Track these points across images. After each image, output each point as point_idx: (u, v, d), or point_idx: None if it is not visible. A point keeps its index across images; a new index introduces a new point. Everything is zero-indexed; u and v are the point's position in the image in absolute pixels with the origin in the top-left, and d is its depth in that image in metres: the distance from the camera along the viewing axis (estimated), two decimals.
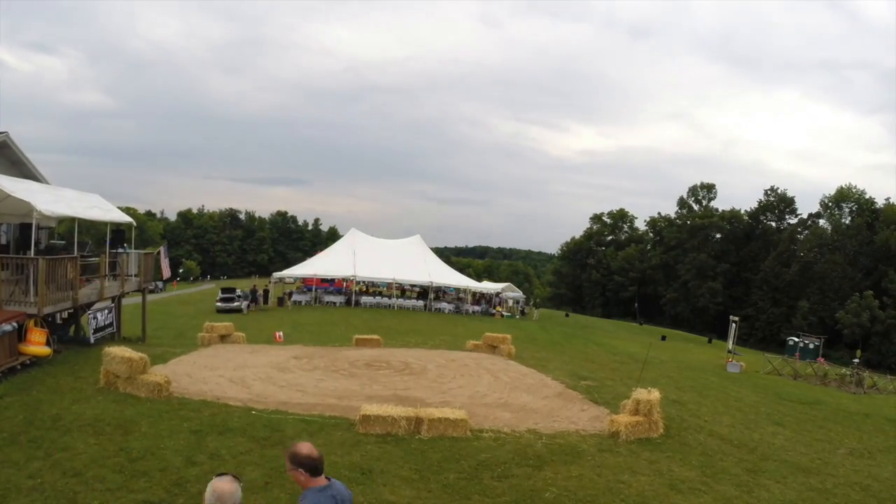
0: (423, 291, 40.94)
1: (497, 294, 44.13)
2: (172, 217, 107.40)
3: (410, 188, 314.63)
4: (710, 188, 77.90)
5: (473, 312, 39.86)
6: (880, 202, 64.62)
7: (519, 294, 48.30)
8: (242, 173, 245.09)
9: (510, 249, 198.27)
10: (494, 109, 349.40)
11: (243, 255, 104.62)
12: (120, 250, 17.79)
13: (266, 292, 38.79)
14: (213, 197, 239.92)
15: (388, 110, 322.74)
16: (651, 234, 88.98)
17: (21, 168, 16.74)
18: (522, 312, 45.98)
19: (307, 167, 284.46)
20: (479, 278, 70.46)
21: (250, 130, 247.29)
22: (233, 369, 13.07)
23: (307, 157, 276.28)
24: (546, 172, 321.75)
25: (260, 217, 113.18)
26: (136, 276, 18.27)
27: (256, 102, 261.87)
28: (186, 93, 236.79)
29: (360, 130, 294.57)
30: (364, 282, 41.28)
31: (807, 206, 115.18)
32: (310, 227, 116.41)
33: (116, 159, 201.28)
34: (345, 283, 40.47)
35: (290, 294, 39.35)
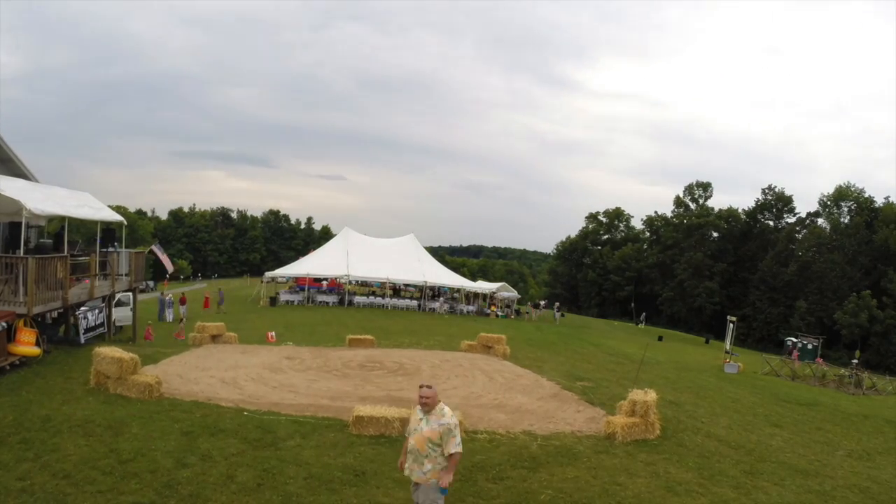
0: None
1: (492, 293, 44.12)
2: (164, 216, 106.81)
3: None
4: (706, 187, 77.61)
5: (468, 312, 39.82)
6: (879, 201, 64.65)
7: (514, 294, 48.23)
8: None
9: (505, 249, 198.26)
10: None
11: (235, 254, 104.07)
12: (110, 249, 17.64)
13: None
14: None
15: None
16: (647, 233, 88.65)
17: (9, 165, 16.56)
18: (517, 312, 45.94)
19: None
20: (473, 278, 70.50)
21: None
22: (224, 370, 12.98)
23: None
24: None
25: (252, 216, 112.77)
26: (126, 275, 18.12)
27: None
28: None
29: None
30: (357, 281, 41.18)
31: (805, 204, 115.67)
32: (302, 226, 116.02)
33: None
34: (338, 283, 40.36)
35: (278, 294, 39.16)
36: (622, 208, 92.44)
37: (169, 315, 29.35)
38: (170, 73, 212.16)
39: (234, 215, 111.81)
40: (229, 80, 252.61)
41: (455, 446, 4.88)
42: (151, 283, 51.69)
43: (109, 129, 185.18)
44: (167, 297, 31.45)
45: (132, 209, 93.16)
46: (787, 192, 73.26)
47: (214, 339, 17.38)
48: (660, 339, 42.55)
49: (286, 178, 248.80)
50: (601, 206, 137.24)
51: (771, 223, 74.31)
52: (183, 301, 30.98)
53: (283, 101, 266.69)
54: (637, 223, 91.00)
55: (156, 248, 27.70)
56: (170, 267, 23.53)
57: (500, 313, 41.01)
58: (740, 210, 76.82)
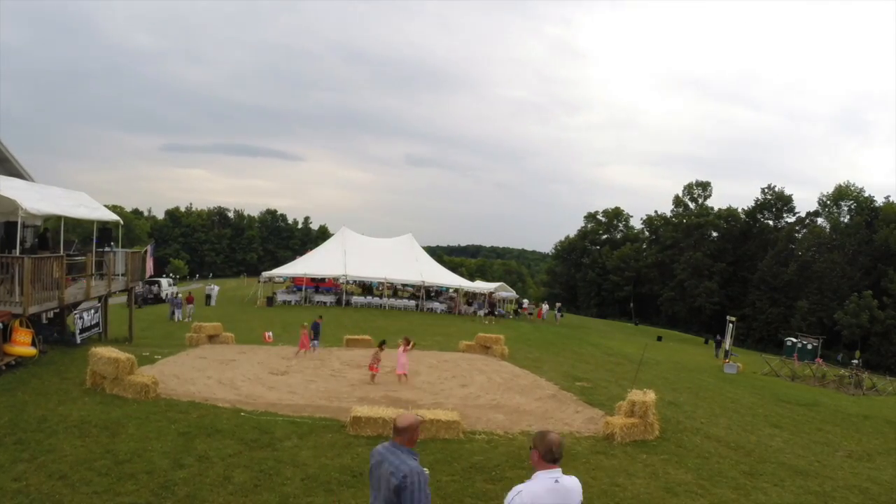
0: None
1: (490, 293, 44.04)
2: (160, 215, 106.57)
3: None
4: (705, 186, 77.28)
5: (466, 313, 39.77)
6: (879, 200, 64.28)
7: (512, 294, 48.15)
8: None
9: (503, 248, 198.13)
10: None
11: (232, 253, 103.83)
12: (107, 249, 17.57)
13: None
14: None
15: None
16: (647, 233, 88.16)
17: (5, 165, 16.48)
18: (515, 313, 45.89)
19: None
20: (471, 277, 70.44)
21: None
22: (221, 370, 12.95)
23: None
24: None
25: (249, 215, 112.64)
26: (123, 275, 18.05)
27: None
28: None
29: None
30: (355, 281, 41.10)
31: (805, 204, 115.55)
32: (300, 226, 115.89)
33: None
34: (336, 283, 40.27)
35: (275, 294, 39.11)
36: (621, 208, 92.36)
37: (178, 315, 29.49)
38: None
39: (231, 215, 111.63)
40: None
41: None
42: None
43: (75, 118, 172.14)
44: (178, 297, 31.59)
45: (129, 208, 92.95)
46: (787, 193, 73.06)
47: (211, 339, 17.35)
48: (659, 339, 42.56)
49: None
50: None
51: (770, 223, 73.80)
52: (190, 300, 31.18)
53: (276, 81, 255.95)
54: (636, 223, 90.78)
55: (149, 249, 27.52)
56: (149, 271, 23.52)
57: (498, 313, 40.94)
58: (740, 209, 76.40)
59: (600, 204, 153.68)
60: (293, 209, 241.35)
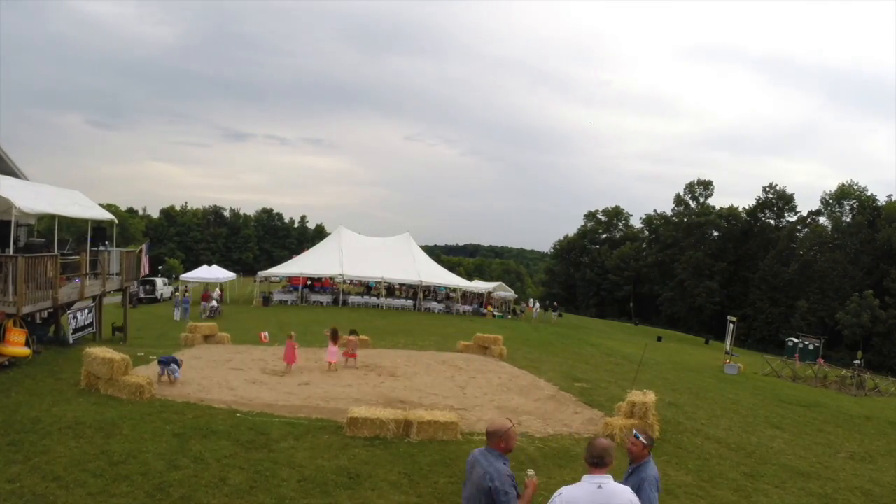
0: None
1: (489, 293, 44.03)
2: (155, 214, 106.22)
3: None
4: (706, 185, 77.08)
5: (464, 312, 39.75)
6: (882, 199, 64.22)
7: (511, 293, 48.06)
8: None
9: (502, 248, 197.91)
10: None
11: (228, 253, 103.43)
12: (101, 248, 17.47)
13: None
14: None
15: None
16: (647, 232, 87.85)
17: None
18: (514, 312, 45.81)
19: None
20: (469, 277, 70.37)
21: None
22: (217, 370, 12.88)
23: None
24: None
25: (245, 214, 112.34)
26: (117, 274, 17.95)
27: None
28: None
29: None
30: (352, 280, 41.02)
31: (807, 203, 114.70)
32: (296, 225, 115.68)
33: None
34: (332, 282, 40.19)
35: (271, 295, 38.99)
36: (621, 207, 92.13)
37: (177, 314, 29.41)
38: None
39: (226, 214, 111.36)
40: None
41: None
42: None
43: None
44: (187, 296, 31.80)
45: (123, 207, 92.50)
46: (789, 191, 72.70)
47: (207, 339, 17.26)
48: (659, 339, 42.53)
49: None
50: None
51: (772, 222, 73.42)
52: (206, 297, 31.56)
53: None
54: (636, 222, 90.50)
55: (144, 248, 27.36)
56: (145, 269, 23.52)
57: (496, 313, 40.94)
58: (741, 209, 76.11)
59: (600, 203, 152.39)
60: (291, 208, 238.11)
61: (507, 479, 3.65)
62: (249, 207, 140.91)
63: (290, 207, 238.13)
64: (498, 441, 3.81)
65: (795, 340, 35.54)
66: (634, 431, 4.36)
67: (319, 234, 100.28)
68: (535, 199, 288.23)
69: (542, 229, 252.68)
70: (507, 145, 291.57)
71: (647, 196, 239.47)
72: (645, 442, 4.22)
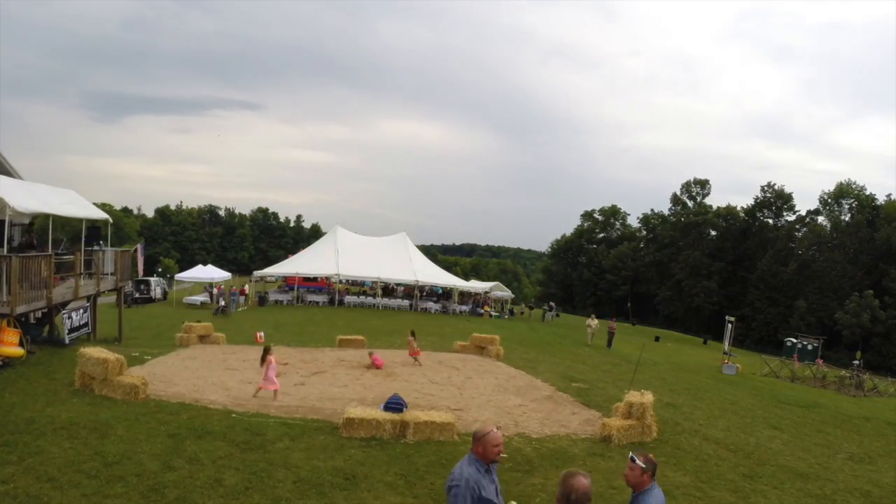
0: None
1: (486, 293, 44.00)
2: (150, 213, 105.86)
3: None
4: (703, 184, 76.86)
5: (461, 312, 39.73)
6: (881, 198, 64.09)
7: (508, 293, 48.06)
8: None
9: (498, 247, 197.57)
10: None
11: (223, 252, 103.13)
12: (96, 248, 17.38)
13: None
14: None
15: None
16: (644, 232, 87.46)
17: None
18: (511, 312, 45.81)
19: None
20: (466, 277, 70.29)
21: None
22: (212, 371, 12.83)
23: None
24: None
25: (240, 213, 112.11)
26: (112, 274, 17.86)
27: None
28: None
29: None
30: (348, 280, 40.94)
31: (805, 202, 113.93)
32: (292, 224, 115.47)
33: None
34: (328, 282, 40.09)
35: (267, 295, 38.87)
36: (618, 206, 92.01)
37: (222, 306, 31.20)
38: None
39: (221, 213, 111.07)
40: None
41: None
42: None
43: None
44: (233, 290, 33.87)
45: (118, 206, 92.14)
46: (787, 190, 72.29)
47: (202, 339, 17.21)
48: (656, 339, 42.50)
49: None
50: None
51: (770, 221, 73.04)
52: (243, 292, 32.82)
53: None
54: (633, 221, 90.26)
55: (140, 248, 27.35)
56: (141, 270, 23.42)
57: (493, 313, 40.94)
58: (739, 208, 75.81)
59: (598, 202, 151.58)
60: (288, 206, 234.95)
61: (466, 481, 3.43)
62: (245, 205, 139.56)
63: (284, 206, 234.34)
64: (476, 445, 3.71)
65: (794, 341, 35.50)
66: (631, 454, 3.73)
67: (315, 233, 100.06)
68: (535, 199, 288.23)
69: (540, 229, 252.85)
70: (507, 143, 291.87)
71: (648, 196, 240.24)
72: (643, 466, 3.59)
